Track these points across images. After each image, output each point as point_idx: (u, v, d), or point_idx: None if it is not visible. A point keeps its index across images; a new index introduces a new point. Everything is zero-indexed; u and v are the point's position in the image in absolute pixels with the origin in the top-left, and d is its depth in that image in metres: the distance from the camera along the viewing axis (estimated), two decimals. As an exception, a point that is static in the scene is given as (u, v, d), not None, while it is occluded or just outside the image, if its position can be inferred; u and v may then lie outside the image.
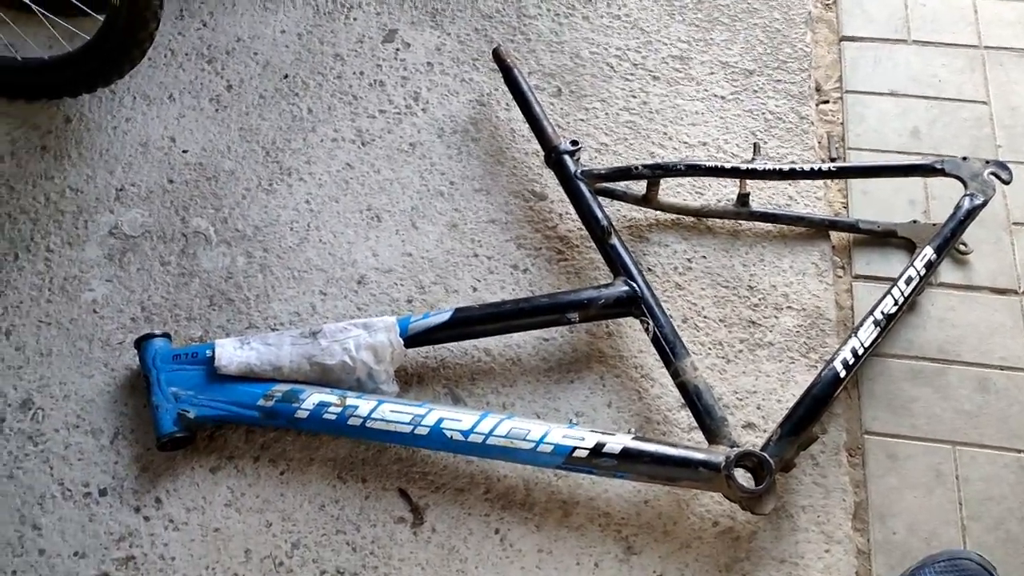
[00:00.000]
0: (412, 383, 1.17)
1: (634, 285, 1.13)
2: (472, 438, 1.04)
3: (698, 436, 1.07)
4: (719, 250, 1.27)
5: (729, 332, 1.21)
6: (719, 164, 1.23)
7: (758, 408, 1.15)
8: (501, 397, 1.16)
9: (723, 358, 1.19)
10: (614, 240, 1.17)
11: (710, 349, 1.19)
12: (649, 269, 1.25)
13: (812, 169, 1.22)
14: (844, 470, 1.10)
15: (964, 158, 1.20)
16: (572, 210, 1.26)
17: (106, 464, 1.13)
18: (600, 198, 1.24)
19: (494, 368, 1.18)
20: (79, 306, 1.25)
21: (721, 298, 1.23)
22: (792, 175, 1.23)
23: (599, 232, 1.18)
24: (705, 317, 1.22)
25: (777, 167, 1.23)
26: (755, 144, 1.27)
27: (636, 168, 1.23)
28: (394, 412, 1.06)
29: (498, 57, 1.38)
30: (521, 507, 1.08)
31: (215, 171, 1.37)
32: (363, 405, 1.07)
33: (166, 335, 1.17)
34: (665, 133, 1.39)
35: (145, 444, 1.13)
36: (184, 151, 1.39)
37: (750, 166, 1.23)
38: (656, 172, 1.22)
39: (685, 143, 1.38)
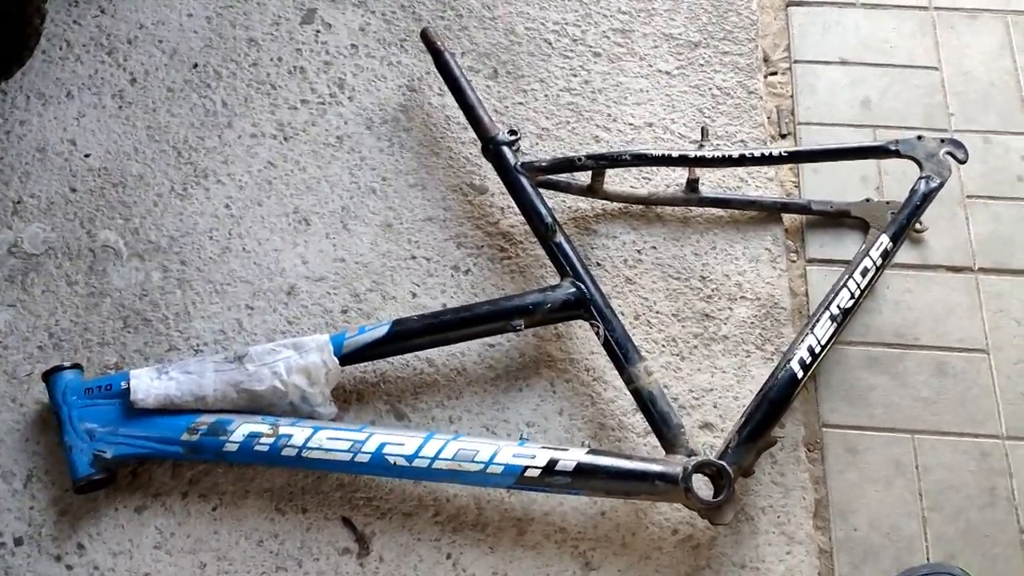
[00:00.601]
0: (351, 401, 1.09)
1: (581, 286, 1.06)
2: (417, 463, 0.97)
3: (655, 441, 1.03)
4: (669, 239, 1.21)
5: (683, 327, 1.15)
6: (666, 152, 1.16)
7: (715, 407, 1.10)
8: (447, 411, 1.09)
9: (677, 355, 1.14)
10: (559, 238, 1.10)
11: (664, 347, 1.14)
12: (598, 264, 1.19)
13: (762, 155, 1.16)
14: (803, 467, 1.07)
15: (919, 137, 1.15)
16: (512, 204, 1.18)
17: (20, 510, 1.04)
18: (543, 190, 1.16)
19: (438, 380, 1.11)
20: (-22, 336, 1.14)
21: (673, 291, 1.18)
22: (742, 162, 1.17)
23: (543, 230, 1.11)
24: (658, 312, 1.16)
25: (726, 154, 1.16)
26: (703, 128, 1.20)
27: (579, 159, 1.15)
28: (331, 439, 0.99)
29: (427, 39, 1.27)
30: (473, 528, 1.03)
31: (122, 176, 1.25)
32: (297, 433, 0.99)
33: (76, 366, 1.07)
34: (609, 115, 1.31)
35: (62, 485, 1.04)
36: (86, 155, 1.27)
37: (699, 154, 1.16)
38: (601, 163, 1.15)
39: (630, 124, 1.31)
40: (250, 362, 1.03)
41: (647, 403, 1.01)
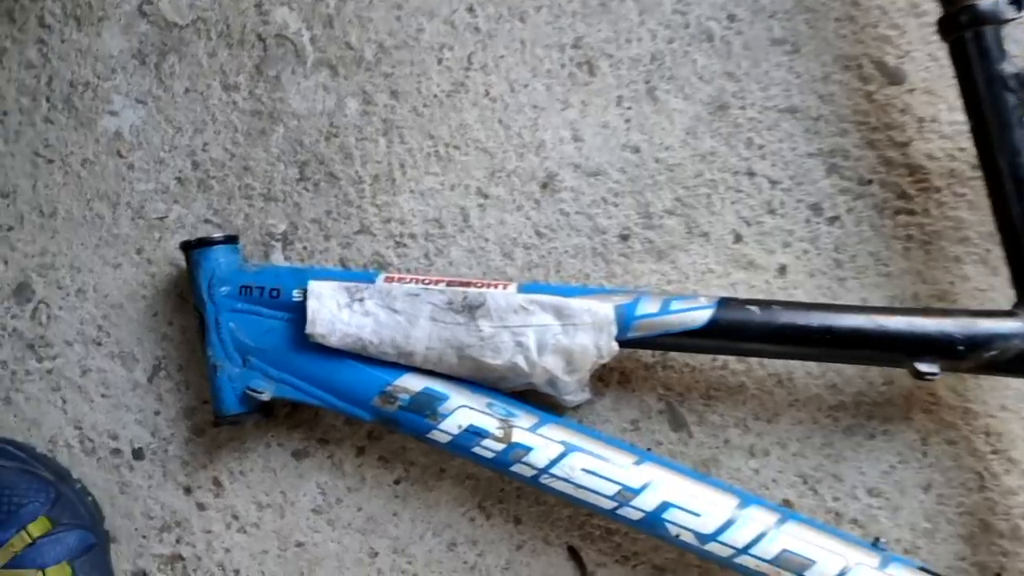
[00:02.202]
0: (611, 384, 0.73)
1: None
2: (712, 547, 0.63)
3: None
4: None
5: None
6: None
7: None
8: (749, 436, 0.72)
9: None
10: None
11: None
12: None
13: None
14: None
15: None
16: (957, 120, 0.69)
17: (142, 412, 0.76)
18: None
19: (746, 385, 0.72)
20: (94, 138, 0.78)
21: None
22: None
23: (1017, 202, 0.63)
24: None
25: None
26: None
27: None
28: (589, 473, 0.65)
29: None
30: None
31: (317, -81, 0.78)
32: (540, 449, 0.65)
33: (231, 239, 0.72)
34: None
35: (198, 393, 0.75)
36: None
37: None
38: None
39: None
40: (486, 318, 0.65)
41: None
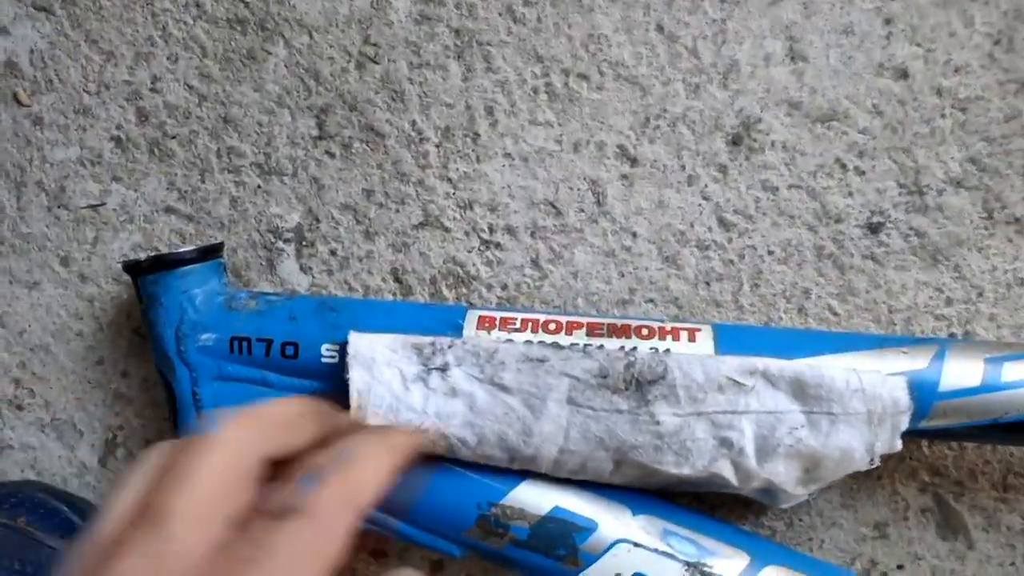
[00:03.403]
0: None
1: None
2: None
3: None
4: None
5: None
6: None
7: None
8: (1066, 552, 0.45)
9: None
10: None
11: None
12: None
13: None
14: None
15: None
16: None
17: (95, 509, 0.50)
18: None
19: (1064, 471, 0.45)
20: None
21: None
22: None
23: None
24: None
25: None
26: None
27: None
28: (855, 662, 0.38)
29: None
30: None
31: None
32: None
33: (211, 252, 0.42)
34: None
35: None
36: None
37: None
38: None
39: None
40: (667, 401, 0.36)
41: None
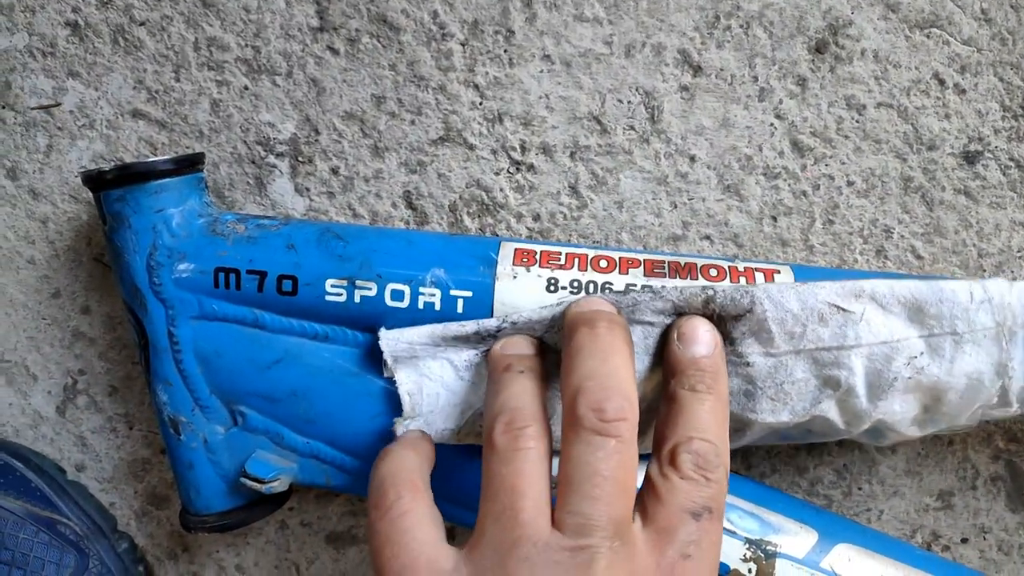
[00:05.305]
0: (954, 440, 0.40)
1: None
2: None
3: None
4: None
5: None
6: None
7: None
8: None
9: None
10: None
11: None
12: None
13: None
14: None
15: None
16: None
17: (58, 449, 0.43)
18: None
19: None
20: None
21: None
22: None
23: None
24: None
25: None
26: None
27: None
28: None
29: None
30: None
31: None
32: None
33: (190, 163, 0.35)
34: None
35: (154, 431, 0.42)
36: None
37: None
38: None
39: None
40: (758, 338, 0.30)
41: None
